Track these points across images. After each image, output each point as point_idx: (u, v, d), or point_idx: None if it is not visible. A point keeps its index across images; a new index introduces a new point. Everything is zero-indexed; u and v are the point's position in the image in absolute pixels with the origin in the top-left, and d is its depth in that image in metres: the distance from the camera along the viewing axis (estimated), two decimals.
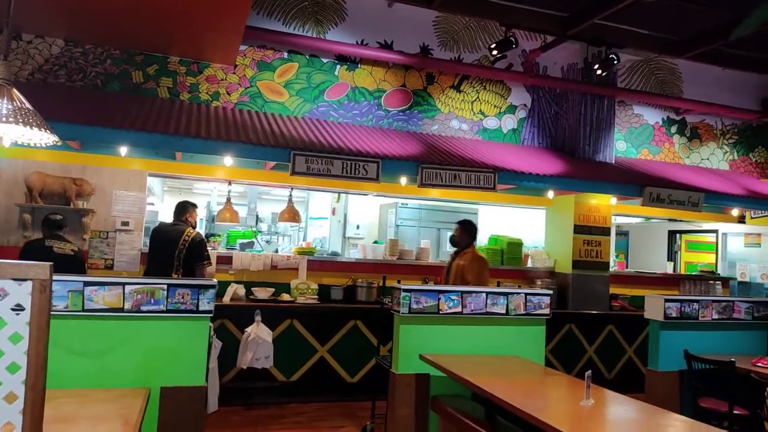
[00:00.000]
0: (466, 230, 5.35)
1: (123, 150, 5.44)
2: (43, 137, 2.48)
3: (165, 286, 3.53)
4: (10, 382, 1.57)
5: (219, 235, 7.32)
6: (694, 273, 8.76)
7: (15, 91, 2.31)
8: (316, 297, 6.01)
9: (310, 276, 6.24)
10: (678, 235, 10.04)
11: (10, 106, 2.23)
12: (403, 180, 6.23)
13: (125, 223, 5.89)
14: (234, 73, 6.43)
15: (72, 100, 5.47)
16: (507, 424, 3.42)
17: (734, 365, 4.13)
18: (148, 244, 5.34)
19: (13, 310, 1.59)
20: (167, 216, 8.32)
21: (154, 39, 5.80)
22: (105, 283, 3.40)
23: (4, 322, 1.58)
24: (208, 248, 5.26)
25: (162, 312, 3.50)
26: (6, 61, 2.40)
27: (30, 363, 1.59)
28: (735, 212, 8.09)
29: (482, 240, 8.40)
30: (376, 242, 7.53)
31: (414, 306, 4.27)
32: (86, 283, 3.34)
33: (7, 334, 1.58)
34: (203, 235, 5.26)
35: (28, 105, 2.35)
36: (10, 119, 2.24)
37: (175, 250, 4.96)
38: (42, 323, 1.60)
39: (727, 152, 8.87)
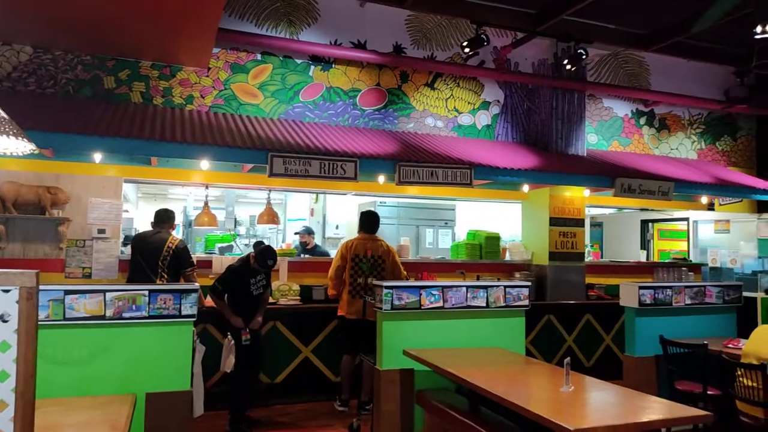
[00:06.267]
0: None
1: (97, 157, 5.38)
2: (19, 146, 2.46)
3: (146, 292, 3.53)
4: None
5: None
6: (666, 260, 8.99)
7: None
8: (298, 298, 6.02)
9: (291, 277, 6.25)
10: (650, 224, 10.29)
11: None
12: (381, 178, 6.28)
13: (102, 231, 5.83)
14: (207, 76, 6.40)
15: (43, 108, 5.39)
16: (491, 413, 3.50)
17: (707, 348, 4.29)
18: (126, 251, 5.32)
19: None
20: (143, 223, 8.27)
21: (124, 43, 5.75)
22: (86, 291, 3.39)
23: None
24: None
25: (144, 318, 3.51)
26: None
27: (19, 371, 1.60)
28: (704, 200, 8.32)
29: (461, 235, 8.52)
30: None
31: (396, 302, 4.33)
32: (67, 292, 3.33)
33: None
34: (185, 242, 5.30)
35: (2, 113, 2.33)
36: None
37: (159, 258, 5.01)
38: (30, 330, 1.61)
39: (694, 142, 9.11)
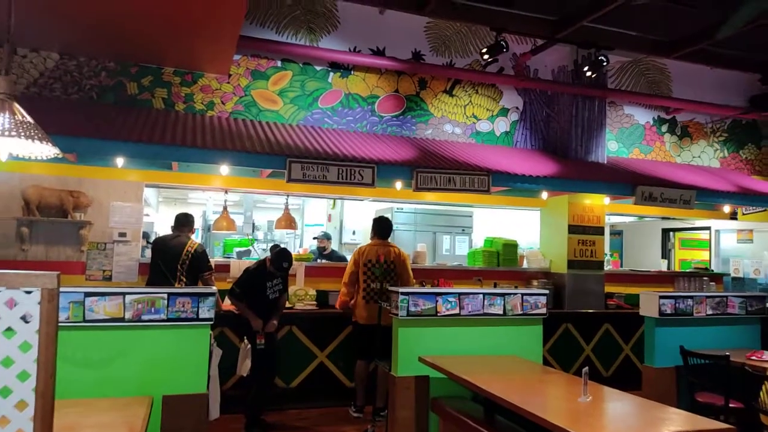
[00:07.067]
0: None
1: (119, 161, 5.47)
2: (45, 150, 2.51)
3: (165, 295, 3.57)
4: (20, 390, 1.61)
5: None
6: (688, 270, 8.84)
7: (16, 105, 2.35)
8: (315, 303, 6.04)
9: (308, 282, 6.27)
10: (671, 232, 10.13)
11: (12, 120, 2.27)
12: (398, 185, 6.28)
13: (123, 234, 5.92)
14: (228, 82, 6.48)
15: (68, 113, 5.49)
16: (507, 422, 3.47)
17: (729, 359, 4.20)
18: (147, 254, 5.39)
19: (22, 319, 1.63)
20: (163, 227, 8.36)
21: (147, 50, 5.84)
22: (105, 293, 3.44)
23: (14, 331, 1.62)
24: None
25: (163, 321, 3.55)
26: (7, 76, 2.44)
27: (39, 371, 1.63)
28: (727, 209, 8.17)
29: (478, 242, 8.48)
30: None
31: (412, 309, 4.32)
32: (87, 294, 3.39)
33: (17, 342, 1.62)
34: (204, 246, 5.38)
35: (29, 118, 2.39)
36: (12, 133, 2.28)
37: (178, 261, 5.08)
38: (50, 331, 1.64)
39: (717, 150, 8.97)
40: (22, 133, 2.28)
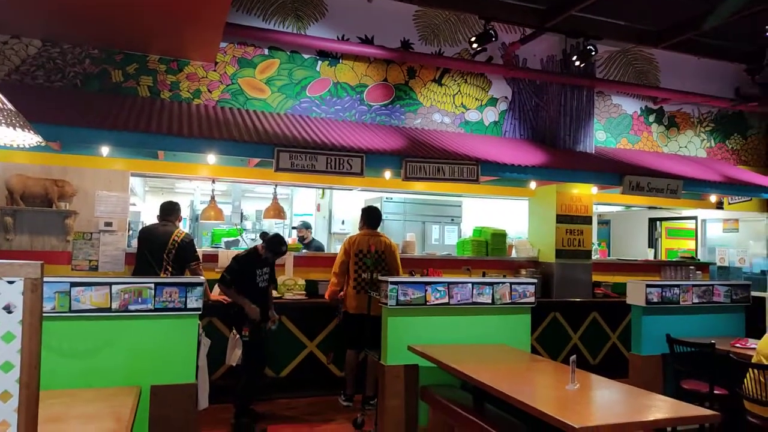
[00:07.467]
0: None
1: (104, 150, 5.39)
2: (26, 138, 2.46)
3: (152, 285, 3.54)
4: (4, 381, 1.58)
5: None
6: (674, 259, 8.93)
7: None
8: (304, 292, 6.03)
9: (297, 272, 6.25)
10: (658, 222, 10.22)
11: None
12: (387, 174, 6.26)
13: (108, 224, 5.85)
14: (215, 70, 6.40)
15: (51, 101, 5.40)
16: (496, 410, 3.49)
17: (714, 347, 4.25)
18: (133, 244, 5.34)
19: (4, 309, 1.60)
20: (150, 216, 8.29)
21: (133, 37, 5.75)
22: (92, 283, 3.40)
23: None
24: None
25: (150, 311, 3.51)
26: None
27: (23, 361, 1.60)
28: (713, 199, 8.25)
29: (467, 232, 8.50)
30: None
31: (401, 298, 4.32)
32: (73, 284, 3.34)
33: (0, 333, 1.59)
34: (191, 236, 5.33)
35: (10, 106, 2.33)
36: None
37: (164, 251, 5.02)
38: (34, 321, 1.61)
39: (704, 140, 9.03)
40: (3, 121, 2.23)
